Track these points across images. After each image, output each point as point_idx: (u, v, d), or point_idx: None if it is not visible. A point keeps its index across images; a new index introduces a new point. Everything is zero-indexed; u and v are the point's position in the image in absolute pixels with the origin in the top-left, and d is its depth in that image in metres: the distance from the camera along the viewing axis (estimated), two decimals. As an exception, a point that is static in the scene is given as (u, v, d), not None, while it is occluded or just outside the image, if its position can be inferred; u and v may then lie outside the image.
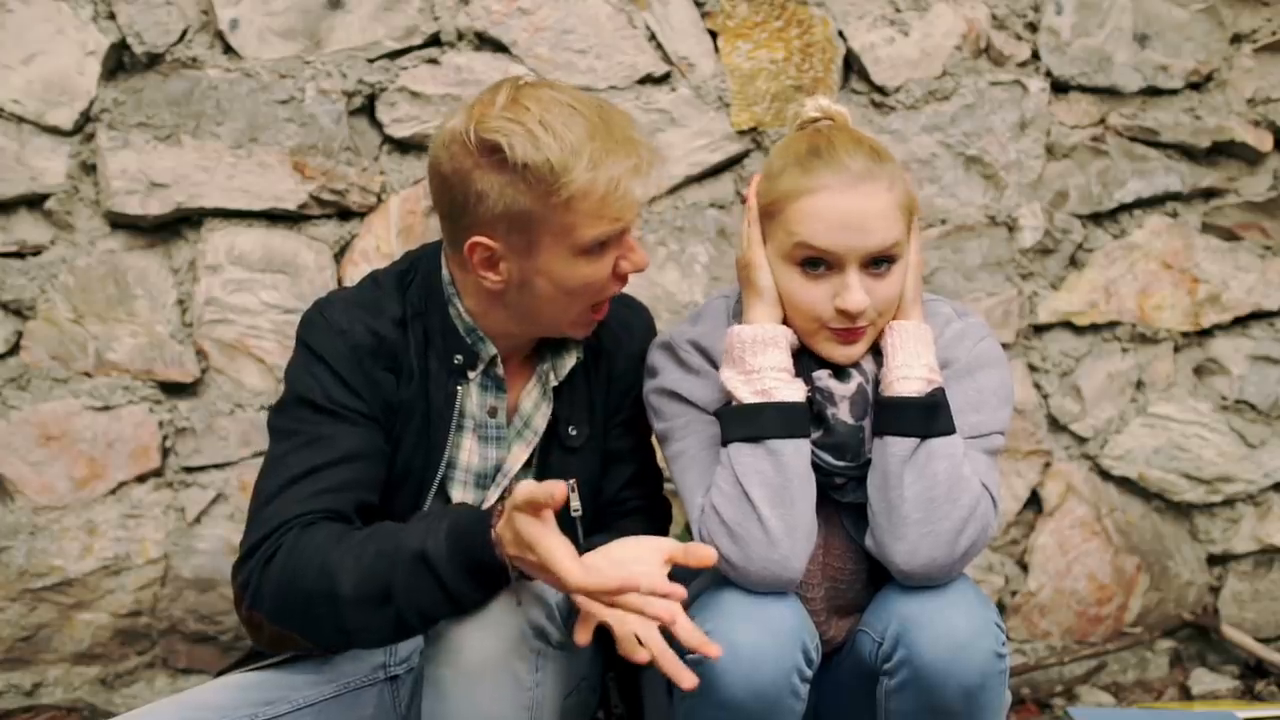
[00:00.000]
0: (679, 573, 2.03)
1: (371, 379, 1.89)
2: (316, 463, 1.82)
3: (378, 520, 1.82)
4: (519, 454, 1.99)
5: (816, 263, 1.83)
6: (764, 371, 1.83)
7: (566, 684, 1.82)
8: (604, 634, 2.02)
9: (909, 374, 1.83)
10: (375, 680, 1.99)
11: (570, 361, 2.00)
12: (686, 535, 2.15)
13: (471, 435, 1.97)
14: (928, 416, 1.81)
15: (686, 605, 1.68)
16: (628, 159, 1.80)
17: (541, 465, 2.00)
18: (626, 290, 2.00)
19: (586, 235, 1.81)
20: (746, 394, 1.82)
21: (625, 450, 2.06)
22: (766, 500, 1.78)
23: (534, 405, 2.00)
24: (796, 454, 1.81)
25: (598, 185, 1.78)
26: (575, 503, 1.95)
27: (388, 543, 1.70)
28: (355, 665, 1.98)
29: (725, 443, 1.83)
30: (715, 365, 1.91)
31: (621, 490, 2.07)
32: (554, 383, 1.99)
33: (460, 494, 1.97)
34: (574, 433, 2.00)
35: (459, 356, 1.93)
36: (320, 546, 1.72)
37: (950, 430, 1.82)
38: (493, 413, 1.97)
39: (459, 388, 1.94)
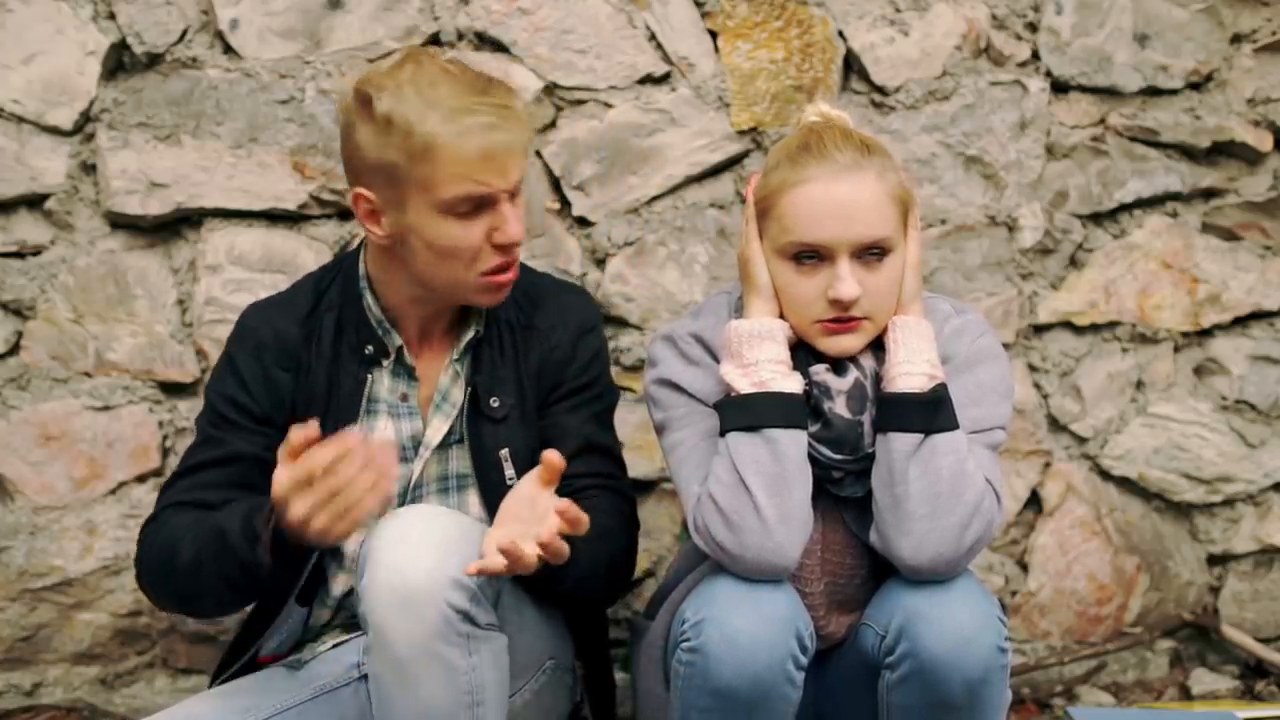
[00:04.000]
0: (685, 559, 2.03)
1: (270, 378, 2.03)
2: (202, 459, 2.01)
3: None
4: (439, 426, 2.04)
5: (808, 255, 1.85)
6: (761, 364, 1.84)
7: (516, 665, 1.84)
8: (574, 621, 2.04)
9: (911, 370, 1.84)
10: (350, 680, 2.02)
11: (468, 334, 2.05)
12: (685, 535, 2.15)
13: (385, 417, 2.04)
14: (930, 412, 1.82)
15: (664, 595, 1.66)
16: (485, 117, 1.86)
17: (473, 435, 2.04)
18: (624, 288, 2.00)
19: (446, 192, 1.87)
20: (744, 385, 1.84)
21: (571, 426, 2.07)
22: (763, 488, 1.79)
23: (451, 379, 2.05)
24: (793, 443, 1.82)
25: (449, 137, 1.84)
26: (510, 471, 2.02)
27: (206, 521, 1.88)
28: (329, 667, 2.03)
29: (723, 433, 1.84)
30: (716, 358, 1.92)
31: (570, 465, 2.04)
32: (455, 355, 2.04)
33: None
34: (496, 404, 2.03)
35: (370, 347, 2.03)
36: (175, 526, 1.93)
37: (953, 426, 1.83)
38: (404, 398, 2.05)
39: (369, 375, 2.03)
